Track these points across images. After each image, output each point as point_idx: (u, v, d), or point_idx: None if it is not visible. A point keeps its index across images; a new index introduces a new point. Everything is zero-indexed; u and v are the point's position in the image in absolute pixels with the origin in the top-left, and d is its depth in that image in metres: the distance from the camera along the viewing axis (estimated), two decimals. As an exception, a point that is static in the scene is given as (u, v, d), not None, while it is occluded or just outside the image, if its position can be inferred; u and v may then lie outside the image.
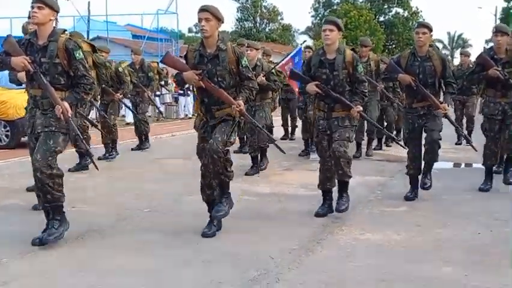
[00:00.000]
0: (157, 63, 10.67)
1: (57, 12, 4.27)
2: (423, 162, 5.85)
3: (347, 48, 5.04)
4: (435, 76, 5.63)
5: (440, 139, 5.71)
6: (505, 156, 6.43)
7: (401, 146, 5.76)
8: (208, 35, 4.33)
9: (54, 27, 4.28)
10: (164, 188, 6.56)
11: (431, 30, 5.67)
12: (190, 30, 52.86)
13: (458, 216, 5.22)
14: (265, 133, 4.99)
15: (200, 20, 4.32)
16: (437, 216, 5.22)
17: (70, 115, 4.12)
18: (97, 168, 4.45)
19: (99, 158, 8.54)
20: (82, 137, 4.30)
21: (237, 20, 45.04)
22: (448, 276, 3.68)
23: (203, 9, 4.31)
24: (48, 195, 4.25)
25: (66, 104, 4.12)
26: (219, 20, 4.36)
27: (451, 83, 5.68)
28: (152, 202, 5.82)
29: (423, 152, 5.81)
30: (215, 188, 4.58)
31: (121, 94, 8.62)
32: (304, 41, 12.75)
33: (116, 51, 26.05)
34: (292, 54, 8.47)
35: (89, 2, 26.70)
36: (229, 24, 45.40)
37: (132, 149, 9.83)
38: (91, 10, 26.88)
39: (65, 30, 4.40)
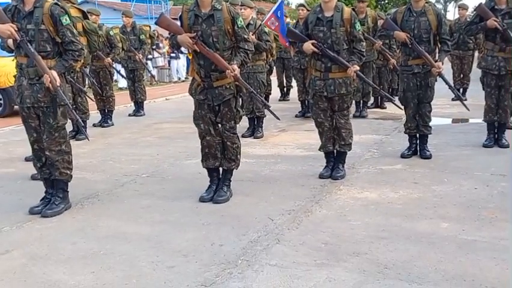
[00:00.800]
0: (149, 26, 10.49)
1: None
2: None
3: (345, 6, 4.94)
4: (430, 32, 5.59)
5: (430, 110, 5.84)
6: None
7: (397, 106, 5.71)
8: None
9: None
10: (161, 152, 6.56)
11: None
12: (179, -9, 51.85)
13: (455, 172, 5.26)
14: (260, 99, 4.92)
15: None
16: (434, 173, 5.25)
17: (59, 84, 4.04)
18: (87, 138, 4.44)
19: (94, 125, 8.53)
20: (71, 106, 4.24)
21: (227, -21, 44.29)
22: (445, 232, 3.71)
23: None
24: (56, 172, 4.31)
25: (54, 73, 4.04)
26: None
27: (445, 41, 5.64)
28: (149, 167, 5.82)
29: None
30: (219, 157, 4.58)
31: (111, 59, 8.51)
32: None
33: (105, 14, 25.56)
34: (274, 9, 8.27)
35: (75, -36, 26.03)
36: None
37: (129, 115, 9.81)
38: (78, -27, 26.23)
39: None
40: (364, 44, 4.98)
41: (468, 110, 6.12)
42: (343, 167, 5.23)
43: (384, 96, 5.65)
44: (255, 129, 7.47)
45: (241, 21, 4.35)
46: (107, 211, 4.39)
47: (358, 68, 4.87)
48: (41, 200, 4.41)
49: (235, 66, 4.27)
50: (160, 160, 6.16)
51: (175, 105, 11.17)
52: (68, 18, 4.13)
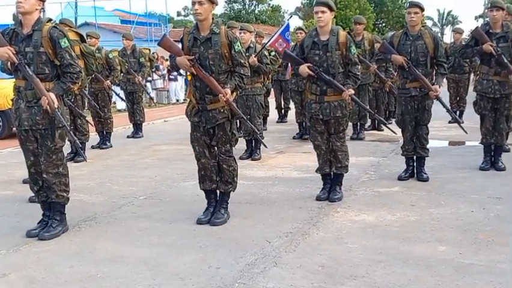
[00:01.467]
0: (149, 49, 10.59)
1: (43, 1, 4.20)
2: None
3: (341, 29, 5.01)
4: (427, 55, 5.65)
5: (428, 133, 5.87)
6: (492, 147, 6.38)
7: (391, 130, 5.67)
8: (202, 18, 4.27)
9: (39, 16, 4.21)
10: (159, 174, 6.57)
11: (422, 10, 5.68)
12: (178, 14, 52.46)
13: (452, 194, 5.27)
14: (250, 126, 4.92)
15: (193, 3, 4.26)
16: (431, 195, 5.27)
17: (56, 106, 4.07)
18: (85, 160, 4.46)
19: (92, 147, 8.56)
20: (68, 128, 4.26)
21: (225, 2, 44.64)
22: (442, 255, 3.72)
23: None
24: (53, 195, 4.32)
25: (52, 95, 4.07)
26: (213, 2, 4.30)
27: (442, 64, 5.71)
28: (147, 189, 5.83)
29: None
30: (216, 180, 4.60)
31: (110, 81, 8.57)
32: (291, 16, 12.66)
33: (105, 37, 25.82)
34: (280, 30, 8.40)
35: (76, -12, 26.38)
36: (218, 7, 45.01)
37: (128, 137, 9.84)
38: (78, -5, 26.54)
39: (50, 19, 4.34)
40: (359, 67, 5.04)
41: (466, 132, 6.15)
42: (340, 189, 5.25)
43: (378, 120, 5.66)
44: (252, 151, 7.50)
45: (238, 46, 4.40)
46: (105, 234, 4.38)
47: (353, 91, 4.91)
48: (38, 223, 4.41)
49: (228, 90, 4.30)
50: (158, 182, 6.18)
51: (174, 127, 11.21)
52: (66, 41, 4.18)
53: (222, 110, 4.41)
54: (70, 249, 4.04)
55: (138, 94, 9.81)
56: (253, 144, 7.53)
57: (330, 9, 4.88)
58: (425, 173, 5.92)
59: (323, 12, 4.84)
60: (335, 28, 4.95)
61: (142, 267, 3.63)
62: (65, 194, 4.37)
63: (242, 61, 4.43)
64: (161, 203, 5.29)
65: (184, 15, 52.85)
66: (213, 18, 4.39)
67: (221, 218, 4.53)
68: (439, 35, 5.94)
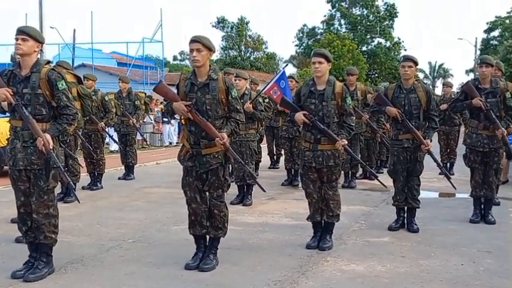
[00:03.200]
0: (145, 93, 10.70)
1: (41, 43, 4.28)
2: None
3: (337, 82, 5.09)
4: (420, 108, 5.74)
5: (419, 184, 5.93)
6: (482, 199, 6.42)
7: (381, 183, 5.60)
8: (199, 64, 4.36)
9: (38, 58, 4.28)
10: (149, 217, 6.53)
11: (416, 64, 5.80)
12: (175, 58, 53.20)
13: (442, 246, 5.26)
14: (248, 170, 4.97)
15: (192, 50, 4.34)
16: (421, 247, 5.25)
17: (52, 147, 4.09)
18: (78, 201, 4.45)
19: (83, 188, 8.51)
20: (63, 169, 4.25)
21: (221, 48, 45.37)
22: (432, 308, 3.69)
23: (194, 40, 4.34)
24: (42, 236, 4.27)
25: (48, 136, 4.10)
26: (210, 50, 4.39)
27: (433, 117, 5.79)
28: (136, 232, 5.77)
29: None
30: (206, 225, 4.58)
31: (104, 123, 8.61)
32: (286, 65, 12.92)
33: (101, 78, 26.06)
34: (276, 78, 8.52)
35: (74, 30, 26.83)
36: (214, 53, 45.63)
37: (119, 178, 9.81)
38: (76, 38, 26.94)
39: (49, 62, 4.41)
40: (354, 118, 5.11)
41: (455, 188, 6.20)
42: (330, 237, 5.23)
43: (369, 172, 5.68)
44: (244, 197, 7.49)
45: (235, 92, 4.49)
46: (91, 277, 4.32)
47: (346, 142, 4.97)
48: (24, 264, 4.34)
49: (225, 135, 4.36)
50: (147, 225, 6.13)
51: (166, 170, 11.20)
52: (64, 84, 4.23)
53: (216, 155, 4.44)
54: (54, 291, 3.97)
55: (131, 136, 9.85)
56: (244, 190, 7.52)
57: (327, 60, 4.99)
58: (416, 224, 5.92)
59: (320, 63, 4.95)
60: (332, 79, 5.05)
61: (127, 313, 3.56)
62: (53, 236, 4.33)
63: (238, 107, 4.51)
64: (149, 246, 5.24)
65: (180, 60, 53.63)
66: (210, 65, 4.48)
67: (210, 264, 4.48)
68: (431, 88, 6.02)
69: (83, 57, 27.30)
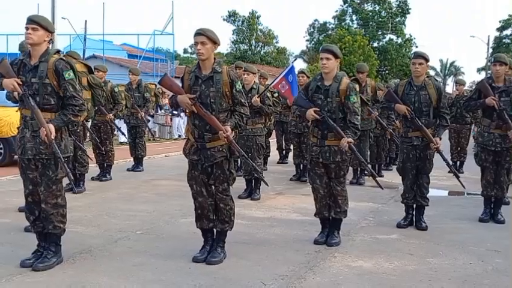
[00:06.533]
0: (155, 84, 10.69)
1: (51, 33, 4.23)
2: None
3: (345, 77, 5.02)
4: (430, 105, 5.69)
5: (428, 182, 5.87)
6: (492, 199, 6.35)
7: (378, 185, 5.35)
8: (204, 58, 4.34)
9: (48, 47, 4.26)
10: (157, 209, 6.54)
11: (427, 60, 5.72)
12: (185, 51, 53.23)
13: (451, 245, 5.24)
14: (251, 164, 4.91)
15: (196, 43, 4.32)
16: (430, 245, 5.23)
17: (53, 137, 4.05)
18: (74, 192, 4.43)
19: (92, 178, 8.55)
20: (63, 160, 4.17)
21: (232, 42, 45.40)
22: (439, 307, 3.68)
23: (199, 33, 4.31)
24: (50, 226, 4.28)
25: (51, 126, 4.07)
26: (215, 43, 4.36)
27: (444, 115, 5.74)
28: (144, 224, 5.79)
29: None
30: (212, 219, 4.58)
31: (113, 115, 8.63)
32: (295, 59, 12.84)
33: (112, 70, 26.15)
34: (284, 72, 8.48)
35: (86, 21, 26.87)
36: (224, 47, 45.70)
37: (128, 170, 9.85)
38: (88, 29, 27.01)
39: (58, 51, 4.39)
40: (359, 117, 4.96)
41: (463, 187, 6.16)
42: (338, 233, 5.22)
43: (369, 172, 5.58)
44: (252, 191, 7.49)
45: (239, 85, 4.45)
46: (99, 267, 4.34)
47: (352, 140, 4.85)
48: (33, 253, 4.36)
49: (228, 128, 4.32)
50: (155, 217, 6.15)
51: (174, 163, 11.22)
52: (71, 74, 4.18)
53: (220, 149, 4.43)
54: (62, 281, 3.99)
55: (141, 128, 9.87)
56: (252, 184, 7.52)
57: (335, 56, 4.95)
58: (424, 222, 5.89)
59: (327, 59, 4.91)
60: (340, 75, 5.00)
61: (134, 304, 3.58)
62: (61, 225, 4.33)
63: (242, 100, 4.48)
64: (157, 238, 5.25)
65: (191, 53, 53.60)
66: (214, 58, 4.45)
67: (217, 257, 4.49)
68: (442, 85, 5.92)
69: (94, 49, 27.39)
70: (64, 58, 4.28)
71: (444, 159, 5.95)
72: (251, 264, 4.50)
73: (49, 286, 3.88)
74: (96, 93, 6.78)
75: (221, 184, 4.50)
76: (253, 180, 7.50)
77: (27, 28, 4.14)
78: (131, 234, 5.38)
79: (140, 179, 8.99)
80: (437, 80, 6.01)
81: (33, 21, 4.14)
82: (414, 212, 5.97)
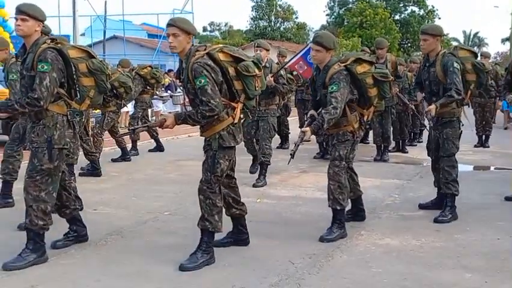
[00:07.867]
0: (151, 66, 10.43)
1: (42, 21, 4.06)
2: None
3: (336, 65, 4.63)
4: (439, 84, 5.24)
5: (452, 166, 5.32)
6: None
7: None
8: (176, 51, 3.97)
9: (38, 37, 4.02)
10: (183, 190, 6.62)
11: (434, 35, 5.25)
12: (204, 29, 52.95)
13: (478, 221, 5.22)
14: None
15: (168, 35, 3.98)
16: (456, 221, 5.20)
17: None
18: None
19: (112, 160, 8.66)
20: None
21: (251, 18, 45.01)
22: (467, 283, 3.69)
23: (170, 24, 3.95)
24: (27, 219, 3.99)
25: None
26: (189, 33, 3.96)
27: (449, 89, 5.10)
28: (172, 205, 5.89)
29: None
30: (232, 205, 4.37)
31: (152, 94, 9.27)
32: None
33: (131, 50, 26.25)
34: (302, 52, 8.31)
35: (105, 2, 26.91)
36: (243, 23, 45.37)
37: (149, 150, 9.98)
38: (107, 9, 27.08)
39: (52, 39, 4.10)
40: (332, 110, 4.46)
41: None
42: (337, 228, 4.68)
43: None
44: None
45: (200, 82, 3.88)
46: (130, 248, 4.44)
47: (310, 132, 4.50)
48: (64, 235, 4.45)
49: (171, 118, 4.04)
50: (182, 198, 6.23)
51: (197, 143, 11.12)
52: (45, 66, 3.89)
53: (209, 141, 4.11)
54: (96, 262, 4.10)
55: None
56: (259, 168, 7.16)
57: (326, 48, 4.65)
58: (445, 217, 5.18)
59: (317, 51, 4.66)
60: (330, 64, 4.66)
61: (166, 284, 3.67)
62: (40, 222, 3.96)
63: (204, 99, 3.88)
64: (185, 219, 5.33)
65: (210, 31, 53.42)
66: (191, 48, 4.00)
67: (192, 263, 3.99)
68: (452, 59, 5.30)
69: (114, 29, 27.47)
70: (52, 46, 3.99)
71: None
72: (278, 243, 4.55)
73: (83, 267, 3.99)
74: (98, 79, 6.32)
75: (204, 172, 4.09)
76: (262, 164, 7.07)
77: (16, 19, 3.96)
78: (160, 215, 5.47)
79: (165, 160, 9.10)
80: (451, 55, 5.23)
81: (22, 12, 3.95)
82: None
